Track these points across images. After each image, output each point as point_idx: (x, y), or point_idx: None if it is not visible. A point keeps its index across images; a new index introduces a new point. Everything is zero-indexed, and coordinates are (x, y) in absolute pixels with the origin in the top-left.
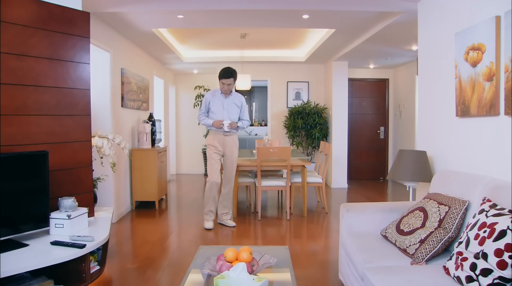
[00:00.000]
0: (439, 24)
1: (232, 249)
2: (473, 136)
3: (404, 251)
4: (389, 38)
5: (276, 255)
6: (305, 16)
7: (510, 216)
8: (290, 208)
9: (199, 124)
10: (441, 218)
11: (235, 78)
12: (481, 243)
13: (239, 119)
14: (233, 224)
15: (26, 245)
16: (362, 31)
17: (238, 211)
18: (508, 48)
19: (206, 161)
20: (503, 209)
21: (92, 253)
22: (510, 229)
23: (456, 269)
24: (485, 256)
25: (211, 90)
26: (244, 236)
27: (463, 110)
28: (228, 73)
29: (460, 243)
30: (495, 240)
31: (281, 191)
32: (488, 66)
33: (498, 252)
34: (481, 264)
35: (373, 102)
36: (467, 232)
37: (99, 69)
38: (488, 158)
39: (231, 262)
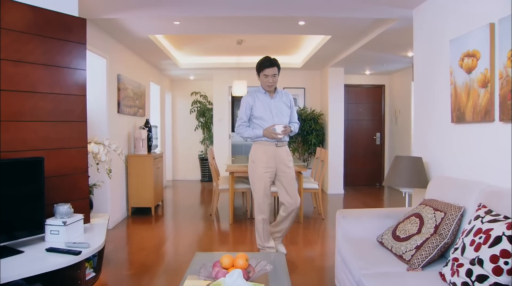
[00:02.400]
0: (434, 30)
1: (228, 255)
2: (469, 142)
3: (400, 257)
4: (385, 44)
5: (272, 262)
6: (301, 23)
7: (505, 222)
8: None
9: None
10: (437, 224)
11: (279, 68)
12: (477, 249)
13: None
14: (285, 251)
15: (21, 252)
16: (358, 37)
17: (234, 217)
18: (502, 54)
19: (202, 167)
20: (498, 215)
21: (87, 259)
22: (505, 235)
23: (452, 275)
24: (480, 262)
25: (249, 92)
26: (240, 242)
27: (459, 116)
28: (270, 61)
29: (456, 249)
30: (491, 246)
31: (277, 197)
32: (482, 72)
33: (494, 258)
34: (477, 270)
35: (369, 108)
36: (462, 238)
37: (96, 75)
38: (483, 164)
39: (227, 269)
